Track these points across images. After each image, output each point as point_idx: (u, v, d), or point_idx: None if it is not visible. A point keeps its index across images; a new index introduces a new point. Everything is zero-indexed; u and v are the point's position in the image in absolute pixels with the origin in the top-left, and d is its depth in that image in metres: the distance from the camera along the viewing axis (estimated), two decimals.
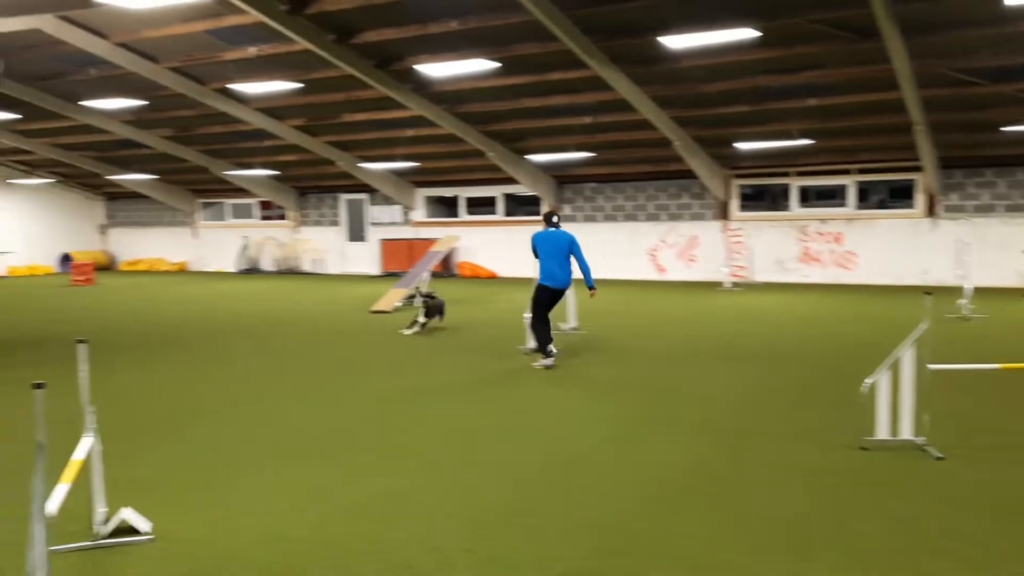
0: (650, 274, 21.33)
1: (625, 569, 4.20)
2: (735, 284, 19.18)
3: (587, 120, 17.94)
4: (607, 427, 6.95)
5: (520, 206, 23.49)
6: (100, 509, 4.73)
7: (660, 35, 12.40)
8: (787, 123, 16.89)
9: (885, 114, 16.05)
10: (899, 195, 19.38)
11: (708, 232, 20.67)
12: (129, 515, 4.80)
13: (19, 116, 20.64)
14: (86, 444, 4.59)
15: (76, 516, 4.80)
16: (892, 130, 16.74)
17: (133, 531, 4.72)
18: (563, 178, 22.08)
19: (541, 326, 9.91)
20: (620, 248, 21.62)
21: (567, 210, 22.31)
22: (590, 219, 22.09)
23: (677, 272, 21.06)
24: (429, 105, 17.64)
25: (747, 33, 11.92)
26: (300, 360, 10.51)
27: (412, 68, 15.41)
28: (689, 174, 19.82)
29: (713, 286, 19.07)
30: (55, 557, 4.30)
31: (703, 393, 8.22)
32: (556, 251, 9.94)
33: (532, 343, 10.68)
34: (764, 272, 20.01)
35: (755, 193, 20.89)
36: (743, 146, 17.68)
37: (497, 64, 14.49)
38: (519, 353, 10.61)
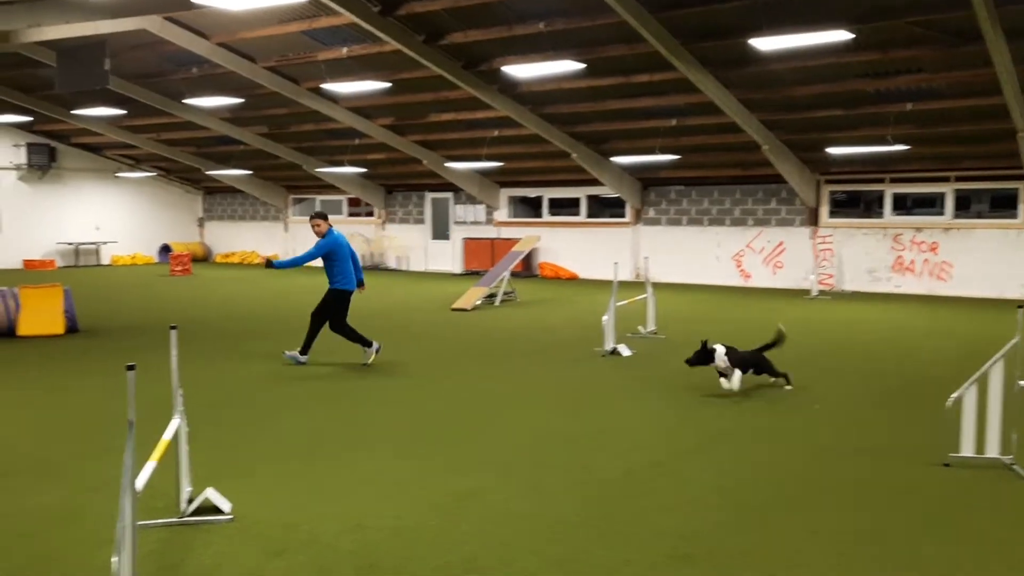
0: (734, 280, 20.94)
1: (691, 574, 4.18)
2: (822, 292, 18.67)
3: (673, 122, 17.76)
4: (689, 435, 6.89)
5: (604, 208, 23.40)
6: (185, 488, 4.97)
7: (750, 37, 12.19)
8: (882, 128, 16.34)
9: (986, 120, 15.37)
10: (1001, 204, 18.51)
11: (796, 238, 20.17)
12: (212, 495, 5.02)
13: (125, 112, 21.66)
14: (174, 425, 4.82)
15: (162, 494, 5.05)
16: (994, 137, 16.01)
17: (216, 510, 4.93)
18: (648, 180, 21.90)
19: (348, 331, 9.89)
20: (704, 253, 21.30)
21: (651, 213, 22.10)
22: (674, 222, 21.83)
23: (762, 279, 20.62)
24: (514, 106, 17.76)
25: (841, 35, 11.61)
26: (385, 356, 10.74)
27: (499, 69, 15.54)
28: (777, 179, 19.38)
29: (799, 294, 18.60)
30: (142, 531, 4.54)
31: (786, 404, 8.05)
32: (349, 253, 9.91)
33: (610, 345, 10.67)
34: (854, 281, 19.40)
35: (847, 199, 20.26)
36: (835, 151, 17.19)
37: (583, 65, 14.48)
38: (598, 356, 10.58)
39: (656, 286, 13.50)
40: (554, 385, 8.88)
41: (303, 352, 9.83)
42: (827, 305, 16.62)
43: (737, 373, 8.16)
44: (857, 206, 20.30)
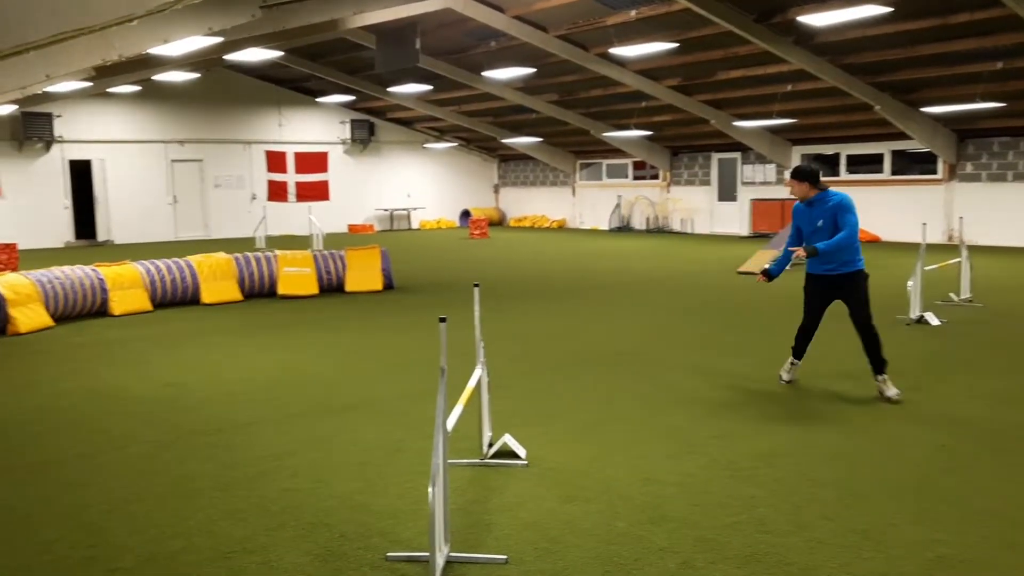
0: None
1: (1018, 566, 3.83)
2: None
3: (998, 66, 15.73)
4: (1016, 412, 6.22)
5: (911, 164, 21.39)
6: (486, 433, 5.42)
7: None
8: None
9: None
10: None
11: None
12: (510, 441, 5.43)
13: (432, 88, 23.44)
14: (477, 374, 5.26)
15: (466, 436, 5.55)
16: None
17: (513, 455, 5.33)
18: (965, 132, 19.65)
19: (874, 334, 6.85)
20: None
21: (968, 168, 19.84)
22: (997, 178, 19.43)
23: None
24: (811, 58, 16.73)
25: None
26: (674, 317, 10.82)
27: (794, 20, 14.71)
28: None
29: None
30: (452, 468, 5.04)
31: None
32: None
33: (916, 313, 9.84)
34: None
35: None
36: None
37: (890, 9, 13.27)
38: (902, 324, 9.82)
39: (972, 249, 12.20)
40: (852, 354, 8.39)
41: (879, 372, 6.77)
42: None
43: None
44: None
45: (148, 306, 11.93)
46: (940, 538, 4.10)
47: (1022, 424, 5.95)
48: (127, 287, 11.80)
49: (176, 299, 12.37)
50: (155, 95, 25.18)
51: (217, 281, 12.68)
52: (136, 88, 23.38)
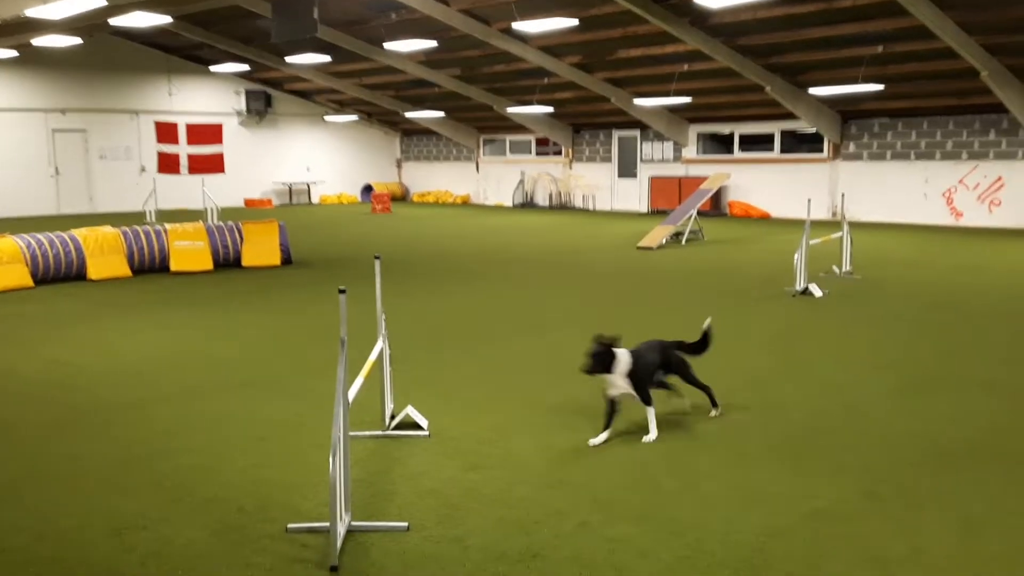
0: (944, 219, 19.45)
1: (886, 515, 4.13)
2: None
3: (878, 50, 16.55)
4: (891, 378, 6.63)
5: (799, 143, 22.30)
6: (388, 405, 5.45)
7: None
8: None
9: None
10: None
11: (1017, 173, 18.37)
12: (412, 413, 5.48)
13: (331, 59, 22.94)
14: (378, 346, 5.27)
15: (368, 409, 5.57)
16: None
17: (416, 427, 5.38)
18: (848, 113, 20.60)
19: None
20: (910, 190, 19.89)
21: (851, 147, 20.84)
22: (877, 158, 20.48)
23: (976, 217, 19.01)
24: (706, 38, 17.20)
25: None
26: (574, 291, 11.02)
27: (690, 1, 15.08)
28: (998, 108, 17.66)
29: (1021, 234, 17.04)
30: (352, 441, 5.05)
31: (995, 353, 7.54)
32: None
33: (801, 285, 10.32)
34: None
35: None
36: None
37: None
38: (788, 296, 10.31)
39: (855, 225, 12.88)
40: (741, 324, 8.78)
41: None
42: None
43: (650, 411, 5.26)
44: None
45: (29, 282, 11.39)
46: (815, 493, 4.39)
47: (889, 389, 6.37)
48: (6, 262, 11.23)
49: (60, 275, 11.84)
50: (35, 61, 23.80)
51: (104, 256, 12.19)
52: (13, 53, 22.02)
